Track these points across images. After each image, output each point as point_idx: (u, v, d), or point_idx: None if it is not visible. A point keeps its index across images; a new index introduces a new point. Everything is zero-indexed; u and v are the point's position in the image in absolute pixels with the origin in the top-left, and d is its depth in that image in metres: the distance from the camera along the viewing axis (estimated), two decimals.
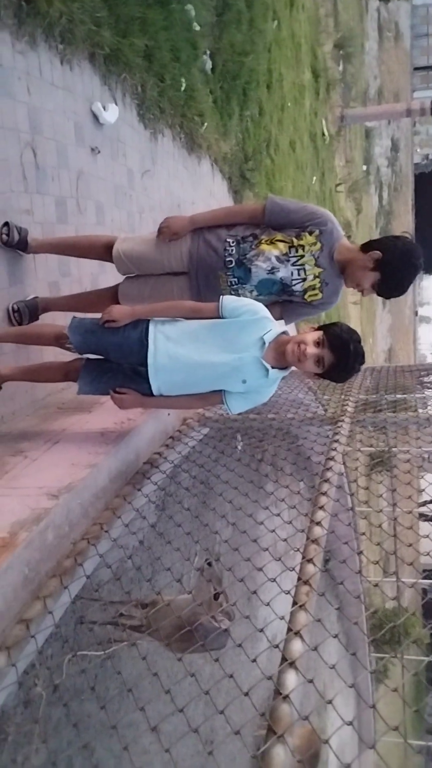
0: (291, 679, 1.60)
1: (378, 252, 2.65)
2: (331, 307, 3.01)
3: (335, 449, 2.67)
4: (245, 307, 2.42)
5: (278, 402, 3.71)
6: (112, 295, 2.96)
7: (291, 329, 2.58)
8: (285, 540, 2.37)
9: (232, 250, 2.78)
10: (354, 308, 18.42)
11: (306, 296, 2.84)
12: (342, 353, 2.33)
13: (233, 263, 2.78)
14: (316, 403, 3.97)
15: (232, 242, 2.79)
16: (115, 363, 2.52)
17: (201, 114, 5.61)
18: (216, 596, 2.93)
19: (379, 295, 2.80)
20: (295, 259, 2.77)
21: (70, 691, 3.48)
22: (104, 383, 2.54)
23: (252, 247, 2.77)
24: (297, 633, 1.73)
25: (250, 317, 2.41)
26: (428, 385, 4.71)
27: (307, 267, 2.78)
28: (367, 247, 2.72)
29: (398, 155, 31.81)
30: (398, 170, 32.61)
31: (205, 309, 2.45)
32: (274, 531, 2.44)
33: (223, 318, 2.41)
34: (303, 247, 2.75)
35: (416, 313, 43.75)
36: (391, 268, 2.66)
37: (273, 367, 2.41)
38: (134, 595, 3.84)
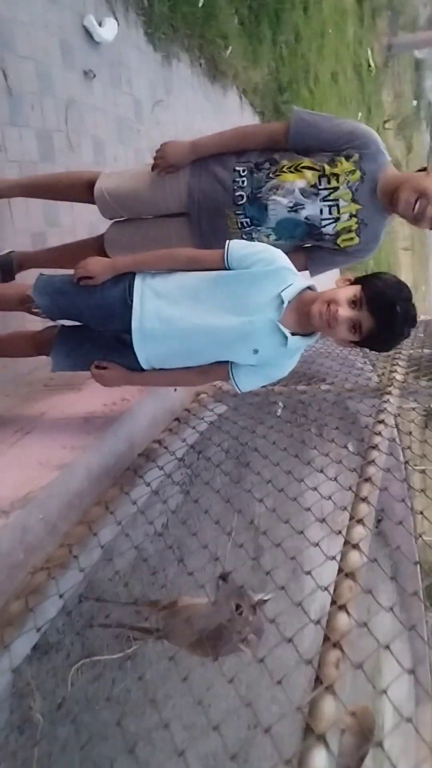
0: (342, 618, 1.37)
1: None
2: (371, 255, 2.38)
3: (379, 432, 2.09)
4: (258, 254, 1.84)
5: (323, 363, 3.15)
6: (98, 246, 2.40)
7: (319, 283, 2.00)
8: (330, 498, 1.99)
9: (243, 182, 2.18)
10: (405, 255, 17.43)
11: (339, 241, 2.23)
12: (385, 316, 1.74)
13: (245, 199, 2.18)
14: (367, 365, 3.37)
15: (243, 171, 2.18)
16: (96, 330, 1.98)
17: (225, 36, 4.91)
18: (238, 610, 2.48)
19: None
20: (326, 193, 2.15)
21: (80, 703, 3.07)
22: (83, 356, 2.01)
23: (269, 177, 2.16)
24: (342, 607, 1.45)
25: (265, 267, 1.83)
26: None
27: (341, 203, 2.16)
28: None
29: None
30: None
31: (208, 257, 1.88)
32: (315, 489, 2.06)
33: (229, 269, 1.84)
34: (337, 176, 2.13)
35: None
36: None
37: (294, 333, 1.84)
38: (156, 590, 3.44)
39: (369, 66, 12.33)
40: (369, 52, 12.37)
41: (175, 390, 2.58)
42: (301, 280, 1.87)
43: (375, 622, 1.59)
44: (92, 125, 3.27)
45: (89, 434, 2.05)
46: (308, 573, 1.67)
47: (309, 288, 1.88)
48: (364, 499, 1.80)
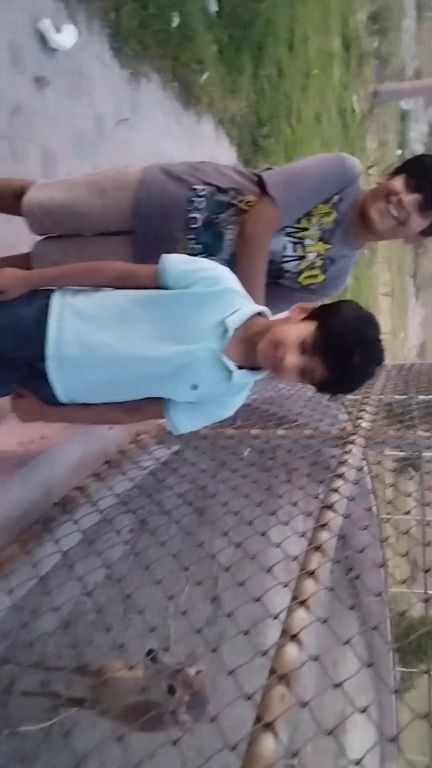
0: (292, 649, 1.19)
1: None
2: (337, 291, 2.12)
3: (337, 489, 1.79)
4: (201, 272, 1.54)
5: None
6: (24, 265, 2.09)
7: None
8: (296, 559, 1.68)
9: (200, 203, 1.90)
10: (385, 300, 17.39)
11: (301, 279, 1.97)
12: (341, 367, 1.45)
13: (199, 222, 1.91)
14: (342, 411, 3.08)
15: (203, 191, 1.91)
16: (12, 353, 1.66)
17: (201, 61, 4.71)
18: (171, 690, 2.17)
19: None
20: (293, 230, 1.89)
21: None
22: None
23: (231, 204, 1.89)
24: (303, 603, 1.34)
25: (208, 288, 1.53)
26: None
27: (307, 242, 1.90)
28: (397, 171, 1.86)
29: None
30: None
31: (142, 272, 1.58)
32: (279, 546, 1.77)
33: (165, 288, 1.54)
34: (310, 218, 1.88)
35: None
36: None
37: (241, 367, 1.54)
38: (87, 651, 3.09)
39: (354, 111, 12.34)
40: (354, 98, 12.41)
41: (110, 428, 2.25)
42: (250, 304, 1.58)
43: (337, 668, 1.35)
44: (42, 135, 3.00)
45: None
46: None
47: (260, 314, 1.59)
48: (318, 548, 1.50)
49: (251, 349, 1.54)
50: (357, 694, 1.33)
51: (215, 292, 1.54)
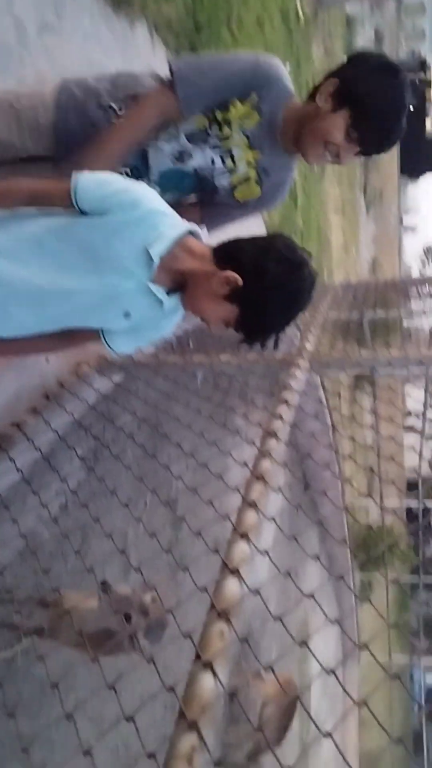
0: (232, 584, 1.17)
1: (336, 80, 1.68)
2: (276, 205, 2.02)
3: (280, 416, 1.75)
4: (116, 196, 1.42)
5: None
6: None
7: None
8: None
9: None
10: (335, 216, 17.21)
11: (236, 194, 1.86)
12: (258, 323, 1.48)
13: None
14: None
15: (120, 110, 1.77)
16: None
17: None
18: (127, 618, 2.20)
19: (362, 150, 1.79)
20: (216, 140, 1.76)
21: None
22: None
23: None
24: (244, 535, 1.33)
25: (126, 215, 1.41)
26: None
27: (235, 151, 1.79)
28: (315, 91, 1.74)
29: (383, 48, 29.57)
30: None
31: (53, 192, 1.45)
32: (246, 465, 1.75)
33: (81, 212, 1.43)
34: (230, 122, 1.75)
35: (401, 221, 42.02)
36: (371, 102, 1.67)
37: (171, 291, 1.46)
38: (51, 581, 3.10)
39: (298, 16, 11.82)
40: (297, 1, 11.86)
41: (47, 360, 2.16)
42: (176, 225, 1.48)
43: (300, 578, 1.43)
44: None
45: None
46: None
47: (190, 233, 1.50)
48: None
49: (180, 277, 1.46)
50: (320, 600, 1.35)
51: (135, 217, 1.42)
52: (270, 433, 1.64)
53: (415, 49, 43.67)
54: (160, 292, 1.44)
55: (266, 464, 1.50)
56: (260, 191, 1.90)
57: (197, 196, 1.95)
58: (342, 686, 1.25)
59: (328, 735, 1.12)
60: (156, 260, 1.40)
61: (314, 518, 7.93)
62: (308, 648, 1.26)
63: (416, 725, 20.77)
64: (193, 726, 0.90)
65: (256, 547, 1.27)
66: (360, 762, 16.16)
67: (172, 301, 1.47)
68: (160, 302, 1.45)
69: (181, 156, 1.80)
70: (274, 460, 1.54)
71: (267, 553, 1.27)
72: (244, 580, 1.14)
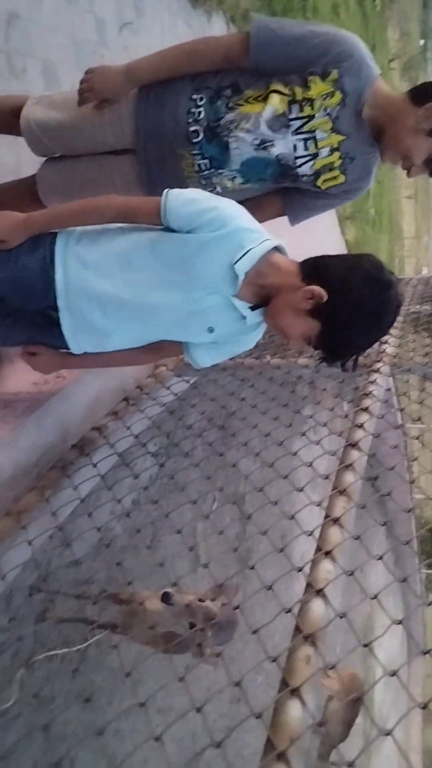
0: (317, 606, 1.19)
1: None
2: (360, 194, 1.95)
3: (362, 424, 1.72)
4: (206, 215, 1.40)
5: None
6: (29, 189, 1.98)
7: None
8: (327, 477, 1.72)
9: (198, 114, 1.73)
10: (408, 203, 16.79)
11: (319, 182, 1.80)
12: (339, 329, 1.42)
13: (200, 135, 1.74)
14: None
15: (201, 100, 1.74)
16: (21, 305, 1.59)
17: None
18: (193, 627, 2.21)
19: None
20: (299, 124, 1.71)
21: (32, 706, 2.78)
22: (5, 333, 1.64)
23: (229, 108, 1.71)
24: (328, 554, 1.35)
25: (213, 232, 1.40)
26: None
27: (319, 135, 1.72)
28: (420, 95, 1.66)
29: None
30: None
31: (142, 208, 1.45)
32: (310, 465, 1.78)
33: (168, 229, 1.43)
34: (312, 101, 1.68)
35: None
36: None
37: (255, 307, 1.45)
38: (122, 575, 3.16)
39: (374, 0, 11.54)
40: None
41: None
42: (263, 240, 1.46)
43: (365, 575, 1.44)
44: (41, 46, 2.79)
45: (6, 424, 1.68)
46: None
47: (276, 249, 1.48)
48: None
49: (265, 291, 1.45)
50: (385, 599, 1.34)
51: (222, 235, 1.41)
52: (352, 445, 1.61)
53: None
54: (243, 307, 1.44)
55: (349, 477, 1.48)
56: (344, 179, 1.82)
57: (279, 186, 1.91)
58: (405, 687, 1.23)
59: (389, 734, 1.10)
60: (241, 277, 1.40)
61: (380, 518, 7.81)
62: (373, 653, 1.26)
63: None
64: (282, 757, 0.89)
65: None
66: (423, 757, 15.94)
67: (254, 317, 1.47)
68: (243, 317, 1.45)
69: (263, 144, 1.73)
70: (356, 473, 1.51)
71: (352, 573, 1.25)
72: (329, 602, 1.12)
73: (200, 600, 2.30)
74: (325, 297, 1.37)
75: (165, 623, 2.26)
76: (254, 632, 1.33)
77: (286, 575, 1.59)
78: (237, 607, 2.23)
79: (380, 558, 1.47)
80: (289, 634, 1.38)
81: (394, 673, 1.18)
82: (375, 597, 1.30)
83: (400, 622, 1.28)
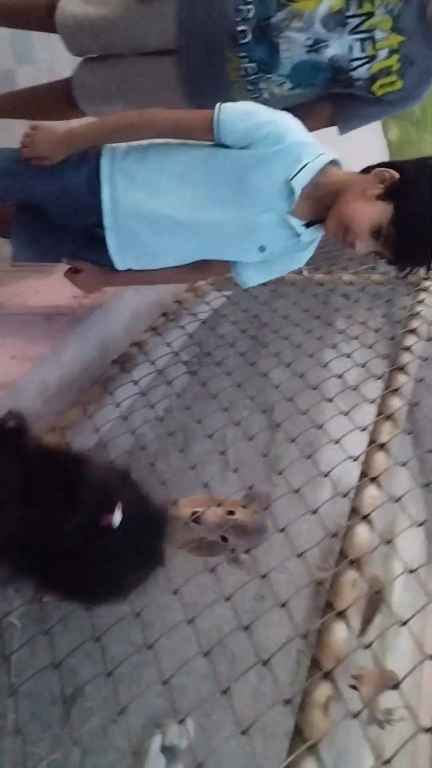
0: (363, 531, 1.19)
1: None
2: (418, 102, 1.82)
3: (410, 344, 1.69)
4: (262, 130, 1.35)
5: None
6: (65, 94, 1.88)
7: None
8: (355, 389, 1.72)
9: (247, 12, 1.59)
10: None
11: (375, 87, 1.68)
12: (414, 255, 1.37)
13: (249, 36, 1.61)
14: None
15: None
16: (66, 220, 1.55)
17: None
18: (224, 539, 2.26)
19: None
20: (357, 22, 1.58)
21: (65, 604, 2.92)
22: (47, 248, 1.62)
23: (281, 4, 1.58)
24: (374, 479, 1.32)
25: (270, 147, 1.35)
26: None
27: (378, 35, 1.59)
28: None
29: None
30: None
31: (194, 122, 1.39)
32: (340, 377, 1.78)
33: (220, 144, 1.37)
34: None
35: None
36: None
37: (309, 223, 1.40)
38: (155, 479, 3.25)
39: None
40: None
41: None
42: (319, 154, 1.38)
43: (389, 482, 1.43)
44: None
45: (48, 339, 1.67)
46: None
47: (332, 162, 1.40)
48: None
49: (321, 206, 1.39)
50: (408, 505, 1.37)
51: (279, 150, 1.36)
52: (398, 368, 1.58)
53: None
54: (298, 224, 1.39)
55: (396, 402, 1.45)
56: (402, 84, 1.68)
57: (329, 92, 1.78)
58: (422, 587, 1.26)
59: (405, 624, 1.13)
60: (297, 192, 1.34)
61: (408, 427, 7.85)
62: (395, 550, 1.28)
63: None
64: (329, 676, 0.92)
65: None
66: None
67: (309, 234, 1.42)
68: (297, 235, 1.41)
69: (316, 45, 1.60)
70: (403, 397, 1.49)
71: (399, 499, 1.25)
72: (374, 527, 1.13)
73: (230, 512, 2.35)
74: (398, 176, 1.32)
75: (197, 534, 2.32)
76: (281, 530, 1.38)
77: (312, 481, 1.62)
78: (266, 508, 2.28)
79: (404, 464, 1.48)
80: (313, 537, 1.41)
81: (413, 571, 1.19)
82: (398, 500, 1.30)
83: (422, 524, 1.29)
